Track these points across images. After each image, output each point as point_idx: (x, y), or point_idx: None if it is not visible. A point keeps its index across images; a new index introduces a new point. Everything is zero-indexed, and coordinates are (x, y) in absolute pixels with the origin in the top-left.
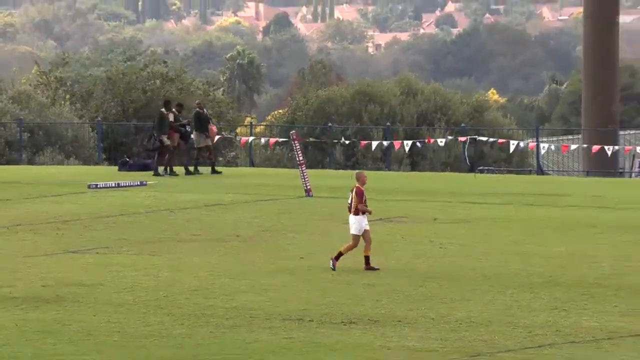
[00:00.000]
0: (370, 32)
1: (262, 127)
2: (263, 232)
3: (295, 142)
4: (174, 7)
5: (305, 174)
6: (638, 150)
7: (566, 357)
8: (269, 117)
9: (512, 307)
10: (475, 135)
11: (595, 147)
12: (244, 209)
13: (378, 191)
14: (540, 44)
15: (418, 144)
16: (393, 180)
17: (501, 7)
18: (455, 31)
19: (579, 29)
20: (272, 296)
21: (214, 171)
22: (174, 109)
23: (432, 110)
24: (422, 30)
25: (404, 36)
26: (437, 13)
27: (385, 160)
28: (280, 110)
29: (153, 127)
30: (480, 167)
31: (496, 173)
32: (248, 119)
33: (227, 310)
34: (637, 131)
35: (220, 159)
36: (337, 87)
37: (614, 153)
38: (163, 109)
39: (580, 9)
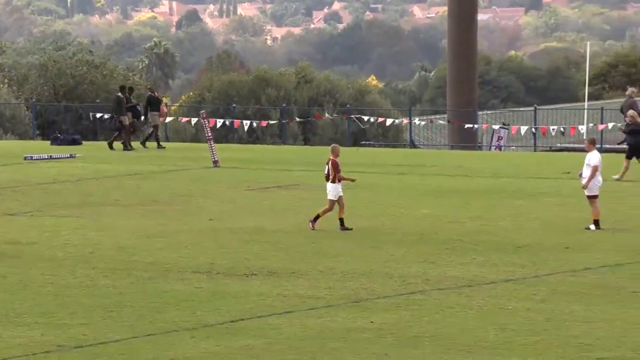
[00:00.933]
0: (268, 27)
1: (175, 107)
2: (177, 197)
3: (205, 120)
4: (98, 4)
5: (213, 147)
6: (496, 127)
7: (433, 301)
8: (183, 98)
9: (389, 261)
10: (358, 114)
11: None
12: (160, 178)
13: (276, 162)
14: (411, 37)
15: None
16: (289, 153)
17: (379, 5)
18: (340, 26)
19: (444, 25)
20: (185, 252)
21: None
22: (126, 93)
23: (322, 93)
24: (312, 25)
25: (297, 30)
26: (325, 10)
27: (282, 136)
28: (192, 93)
29: (112, 110)
30: (362, 142)
31: (375, 147)
32: (164, 100)
33: (145, 264)
34: (493, 111)
35: (140, 135)
36: (238, 72)
37: (474, 129)
38: (119, 94)
39: (445, 8)
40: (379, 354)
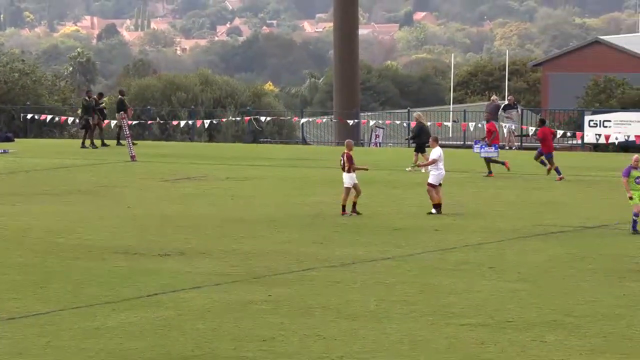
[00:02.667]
0: (178, 39)
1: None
2: (99, 187)
3: (124, 120)
4: (28, 18)
5: (131, 144)
6: (375, 125)
7: (323, 277)
8: (105, 99)
9: (285, 242)
10: (256, 115)
11: (342, 121)
12: (84, 171)
13: (185, 157)
14: (302, 48)
15: (214, 121)
16: (196, 149)
17: (274, 21)
18: (241, 39)
19: (330, 38)
20: (106, 235)
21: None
22: (94, 97)
23: (224, 96)
24: (216, 38)
25: (203, 42)
26: (228, 25)
27: (190, 133)
28: (112, 97)
29: (81, 111)
30: (261, 139)
31: (272, 143)
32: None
33: (71, 246)
34: (373, 113)
35: (65, 133)
36: (151, 77)
37: (357, 128)
38: (87, 97)
39: (331, 24)
40: (275, 322)
